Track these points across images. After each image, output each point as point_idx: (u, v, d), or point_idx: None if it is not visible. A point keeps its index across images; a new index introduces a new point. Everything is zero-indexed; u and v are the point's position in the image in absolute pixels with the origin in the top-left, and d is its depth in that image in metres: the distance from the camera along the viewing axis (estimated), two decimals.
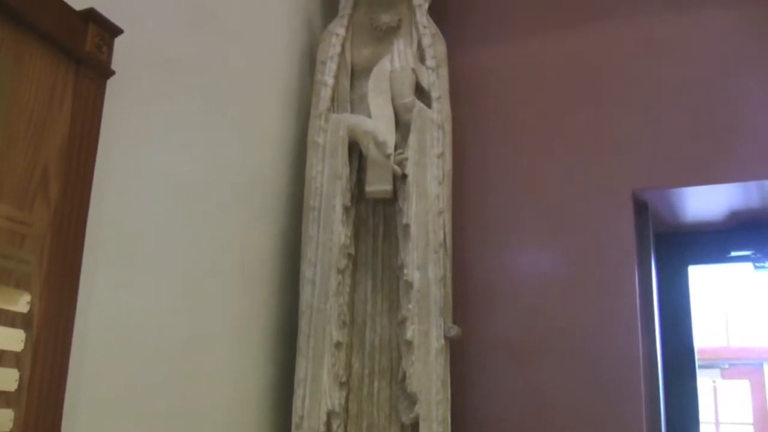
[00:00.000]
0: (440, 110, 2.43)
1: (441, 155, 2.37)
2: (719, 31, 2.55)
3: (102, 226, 1.62)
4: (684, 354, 2.81)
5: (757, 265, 2.87)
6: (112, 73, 1.62)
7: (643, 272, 2.54)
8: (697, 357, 2.80)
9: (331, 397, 2.21)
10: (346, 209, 2.34)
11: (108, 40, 1.61)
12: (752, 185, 2.47)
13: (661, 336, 2.69)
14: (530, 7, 2.82)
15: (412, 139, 2.37)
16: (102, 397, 1.61)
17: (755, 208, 2.68)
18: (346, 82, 2.52)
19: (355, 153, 2.44)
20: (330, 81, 2.47)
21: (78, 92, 1.53)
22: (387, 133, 2.38)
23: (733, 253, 2.87)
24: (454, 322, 2.28)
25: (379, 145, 2.34)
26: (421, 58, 2.51)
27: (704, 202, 2.66)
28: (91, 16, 1.56)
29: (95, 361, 1.58)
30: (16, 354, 1.35)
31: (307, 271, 2.30)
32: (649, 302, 2.57)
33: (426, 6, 2.57)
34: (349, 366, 2.34)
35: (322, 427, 2.17)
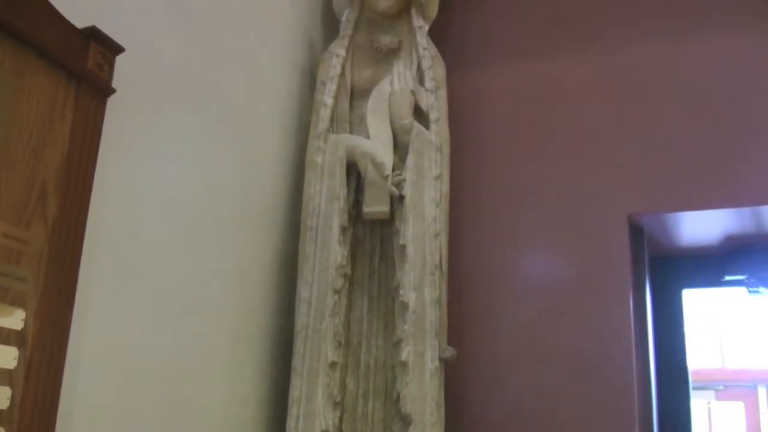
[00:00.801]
0: (438, 132, 2.44)
1: (438, 177, 2.38)
2: (712, 58, 2.57)
3: (99, 244, 1.62)
4: (678, 376, 2.83)
5: (751, 289, 2.88)
6: (113, 91, 1.63)
7: (638, 295, 2.56)
8: (691, 379, 2.81)
9: (325, 418, 2.20)
10: (343, 229, 2.34)
11: (109, 59, 1.62)
12: (746, 211, 2.49)
13: (655, 358, 2.70)
14: (530, 30, 2.84)
15: (410, 160, 2.38)
16: (95, 416, 1.60)
17: (749, 233, 2.70)
18: (345, 102, 2.54)
19: (354, 173, 2.44)
20: (330, 101, 2.48)
21: (78, 110, 1.53)
22: (385, 155, 2.38)
23: (728, 277, 2.89)
24: (449, 343, 2.28)
25: (377, 166, 2.35)
26: (421, 80, 2.52)
27: (699, 226, 2.67)
28: (93, 34, 1.57)
29: (89, 380, 1.58)
30: (9, 372, 1.34)
31: (303, 291, 2.30)
32: (643, 325, 2.59)
33: (426, 28, 2.59)
34: (343, 386, 2.34)
35: None
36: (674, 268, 2.93)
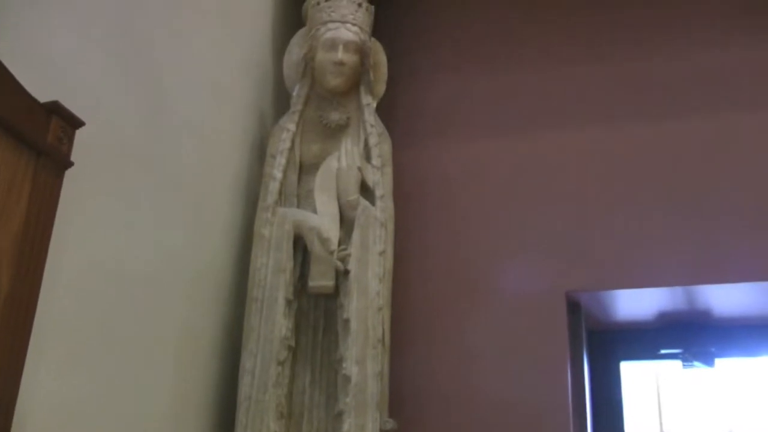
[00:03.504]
0: (384, 208, 2.50)
1: (383, 253, 2.43)
2: (645, 142, 2.68)
3: (49, 315, 1.63)
4: None
5: (686, 363, 2.94)
6: (71, 164, 1.65)
7: (576, 368, 2.61)
8: None
9: None
10: (288, 302, 2.38)
11: (69, 133, 1.64)
12: (678, 290, 2.58)
13: (593, 429, 2.74)
14: (475, 109, 2.92)
15: (356, 236, 2.43)
16: None
17: (683, 310, 2.78)
18: (293, 176, 2.58)
19: (300, 247, 2.48)
20: (279, 175, 2.53)
21: (36, 183, 1.55)
22: (331, 230, 2.44)
23: (663, 351, 2.95)
24: (390, 416, 2.32)
25: (324, 241, 2.41)
26: (368, 157, 2.59)
27: (634, 303, 2.76)
28: (55, 108, 1.59)
29: None
30: None
31: (247, 362, 2.33)
32: (581, 396, 2.63)
33: (374, 105, 2.66)
34: None
35: None
36: (612, 342, 2.99)
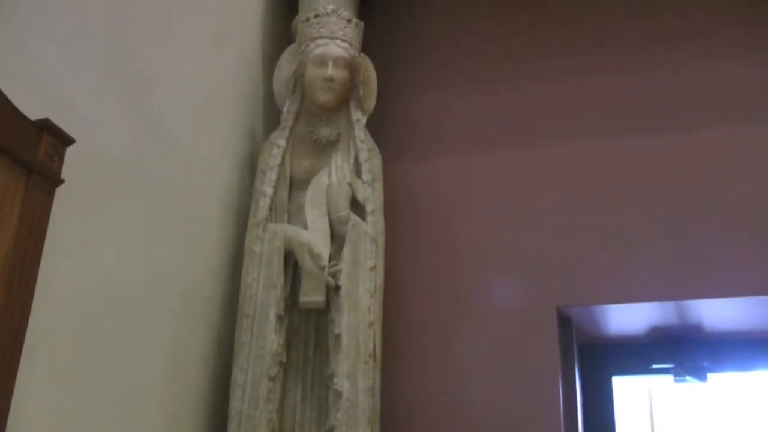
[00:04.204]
0: (374, 224, 2.51)
1: (374, 268, 2.44)
2: (633, 154, 2.69)
3: (40, 330, 1.64)
4: None
5: (678, 378, 2.94)
6: (62, 181, 1.66)
7: (567, 382, 2.60)
8: None
9: None
10: (279, 318, 2.38)
11: (60, 150, 1.65)
12: (670, 304, 2.58)
13: None
14: (465, 124, 2.93)
15: (346, 251, 2.44)
16: None
17: (674, 324, 2.78)
18: (284, 192, 2.59)
19: (291, 263, 2.49)
20: (269, 191, 2.54)
21: (27, 200, 1.56)
22: (322, 246, 2.44)
23: (655, 366, 2.95)
24: (382, 431, 2.32)
25: (314, 257, 2.41)
26: (358, 172, 2.59)
27: (625, 318, 2.75)
28: (46, 126, 1.61)
29: None
30: None
31: (238, 377, 2.33)
32: (573, 412, 2.63)
33: (364, 121, 2.67)
34: None
35: None
36: (603, 357, 2.98)
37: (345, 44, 2.61)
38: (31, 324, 1.56)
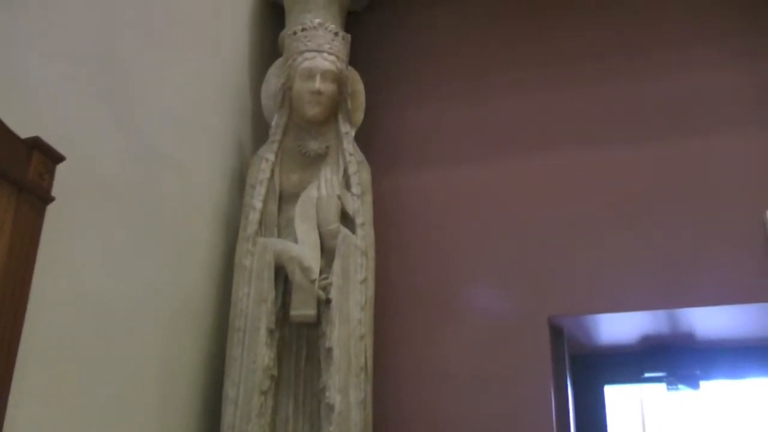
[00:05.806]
0: (364, 237, 2.51)
1: (364, 281, 2.44)
2: (623, 163, 2.70)
3: (32, 348, 1.63)
4: None
5: (670, 386, 2.94)
6: (52, 199, 1.66)
7: (559, 392, 2.60)
8: None
9: None
10: (270, 332, 2.37)
11: (50, 168, 1.65)
12: (661, 313, 2.58)
13: None
14: (453, 136, 2.93)
15: (336, 265, 2.44)
16: None
17: (666, 333, 2.78)
18: (273, 206, 2.59)
19: (281, 277, 2.48)
20: (258, 205, 2.54)
21: (18, 219, 1.55)
22: (312, 259, 2.44)
23: (647, 374, 2.95)
24: None
25: (305, 270, 2.41)
26: (347, 185, 2.60)
27: (617, 327, 2.75)
28: (36, 144, 1.60)
29: None
30: None
31: (230, 392, 2.32)
32: (565, 421, 2.62)
33: (353, 133, 2.67)
34: None
35: None
36: (595, 366, 2.99)
37: (332, 57, 2.61)
38: (23, 341, 1.56)
